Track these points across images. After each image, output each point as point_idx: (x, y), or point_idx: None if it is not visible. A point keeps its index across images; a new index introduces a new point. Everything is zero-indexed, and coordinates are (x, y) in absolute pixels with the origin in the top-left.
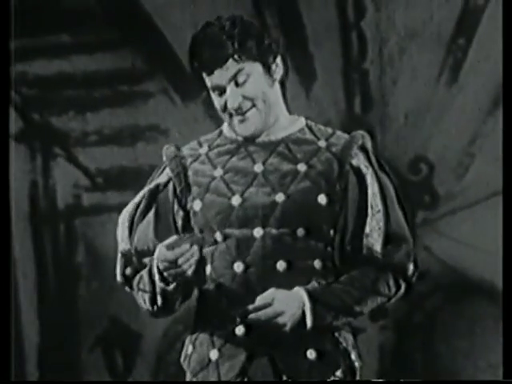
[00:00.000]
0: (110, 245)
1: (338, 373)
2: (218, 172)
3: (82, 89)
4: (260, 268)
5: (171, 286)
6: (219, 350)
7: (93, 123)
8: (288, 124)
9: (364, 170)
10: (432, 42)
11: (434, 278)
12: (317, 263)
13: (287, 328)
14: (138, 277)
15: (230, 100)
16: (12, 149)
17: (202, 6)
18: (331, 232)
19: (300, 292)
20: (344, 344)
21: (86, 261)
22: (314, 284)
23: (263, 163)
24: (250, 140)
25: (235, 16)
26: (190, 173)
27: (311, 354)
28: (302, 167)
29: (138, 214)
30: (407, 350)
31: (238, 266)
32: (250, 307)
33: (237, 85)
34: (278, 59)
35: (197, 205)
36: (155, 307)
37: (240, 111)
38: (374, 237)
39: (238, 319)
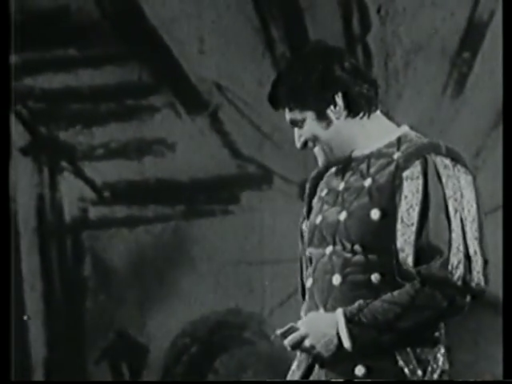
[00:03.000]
0: (116, 258)
1: None
2: (324, 192)
3: (88, 103)
4: (320, 283)
5: None
6: (297, 358)
7: (99, 137)
8: (380, 137)
9: (408, 181)
10: (437, 56)
11: None
12: (374, 277)
13: (317, 350)
14: None
15: (295, 140)
16: (19, 162)
17: (208, 20)
18: (392, 246)
19: (338, 313)
20: (401, 363)
21: (92, 274)
22: (355, 304)
23: (346, 181)
24: (348, 158)
25: (303, 55)
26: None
27: (360, 370)
28: (367, 182)
29: None
30: None
31: (308, 282)
32: (278, 332)
33: (298, 126)
34: (338, 98)
35: (305, 225)
36: None
37: (309, 148)
38: (406, 251)
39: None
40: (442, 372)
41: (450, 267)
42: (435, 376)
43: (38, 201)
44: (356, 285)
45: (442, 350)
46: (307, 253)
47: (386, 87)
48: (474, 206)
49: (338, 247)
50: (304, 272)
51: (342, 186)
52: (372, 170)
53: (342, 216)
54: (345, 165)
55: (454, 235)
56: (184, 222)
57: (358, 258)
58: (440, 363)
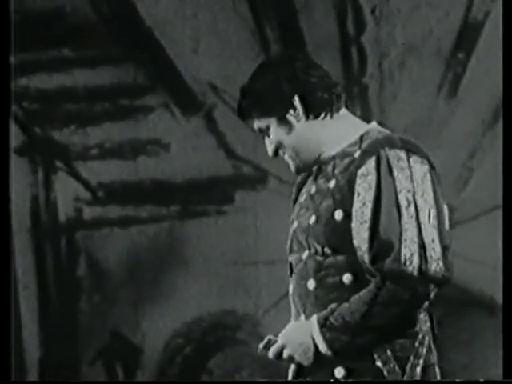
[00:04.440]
0: (111, 258)
1: None
2: (302, 198)
3: (83, 103)
4: (298, 289)
5: None
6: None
7: (94, 137)
8: (346, 136)
9: (362, 178)
10: (431, 57)
11: None
12: (346, 278)
13: (297, 360)
14: None
15: (267, 148)
16: (13, 162)
17: (203, 21)
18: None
19: (312, 320)
20: (379, 362)
21: (87, 274)
22: (328, 308)
23: (316, 184)
24: (317, 161)
25: (259, 69)
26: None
27: (339, 372)
28: (332, 184)
29: None
30: None
31: (290, 288)
32: (260, 345)
33: (266, 135)
34: (296, 102)
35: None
36: None
37: (280, 156)
38: (362, 249)
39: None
40: (428, 366)
41: (402, 259)
42: (418, 371)
43: (33, 201)
44: (330, 288)
45: (427, 343)
46: (289, 259)
47: (381, 88)
48: (431, 194)
49: (312, 251)
50: None
51: (313, 189)
52: (336, 171)
53: (312, 220)
54: (318, 168)
55: (406, 227)
56: (178, 223)
57: (329, 260)
58: (423, 357)
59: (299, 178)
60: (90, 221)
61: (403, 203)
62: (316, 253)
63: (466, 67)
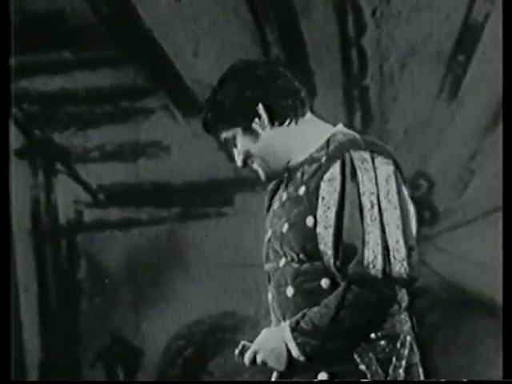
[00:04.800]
0: (111, 261)
1: None
2: (275, 206)
3: (83, 105)
4: (277, 296)
5: None
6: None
7: (94, 139)
8: (313, 141)
9: (326, 183)
10: (432, 59)
11: (433, 293)
12: (324, 282)
13: (270, 365)
14: None
15: (235, 159)
16: (14, 165)
17: (203, 23)
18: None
19: (284, 325)
20: (363, 366)
21: (87, 276)
22: (299, 313)
23: (287, 192)
24: (286, 168)
25: (220, 84)
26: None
27: (322, 376)
28: (301, 191)
29: None
30: None
31: (269, 297)
32: (236, 351)
33: (234, 145)
34: (260, 110)
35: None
36: None
37: (249, 165)
38: (328, 254)
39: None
40: (410, 366)
41: (365, 263)
42: (401, 372)
43: (33, 203)
44: (308, 293)
45: (408, 344)
46: (265, 268)
47: (381, 90)
48: (396, 195)
49: (289, 259)
50: None
51: (284, 197)
52: (305, 178)
53: (285, 228)
54: (288, 175)
55: (368, 230)
56: (179, 225)
57: (306, 266)
58: (405, 358)
59: (271, 186)
60: (91, 223)
61: (366, 205)
62: (292, 260)
63: (467, 69)
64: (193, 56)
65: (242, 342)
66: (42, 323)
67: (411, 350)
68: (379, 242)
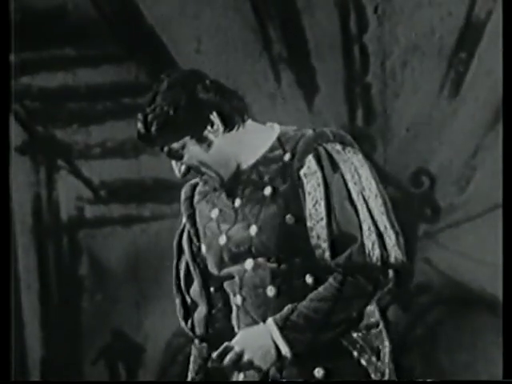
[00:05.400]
0: (113, 257)
1: None
2: (215, 213)
3: (85, 101)
4: (254, 298)
5: None
6: None
7: (96, 136)
8: (260, 143)
9: (308, 178)
10: (434, 56)
11: (435, 290)
12: (308, 278)
13: (256, 364)
14: None
15: (175, 171)
16: (15, 161)
17: (205, 20)
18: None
19: (268, 323)
20: (357, 356)
21: (89, 273)
22: (284, 310)
23: (241, 197)
24: (235, 173)
25: (160, 90)
26: (196, 213)
27: (318, 372)
28: (267, 191)
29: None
30: (408, 362)
31: (237, 300)
32: (214, 356)
33: (176, 158)
34: (214, 118)
35: (203, 248)
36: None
37: (197, 174)
38: (321, 247)
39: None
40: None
41: (366, 251)
42: (386, 359)
43: (35, 200)
44: (292, 291)
45: (384, 332)
46: (221, 273)
47: (383, 87)
48: (373, 182)
49: (261, 260)
50: (184, 290)
51: (238, 202)
52: (266, 178)
53: (253, 231)
54: (233, 181)
55: (361, 217)
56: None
57: (285, 265)
58: (387, 346)
59: (184, 195)
60: (92, 219)
61: (354, 195)
62: (268, 260)
63: (469, 66)
64: (195, 53)
65: (226, 343)
66: (44, 320)
67: (387, 337)
68: (373, 229)
